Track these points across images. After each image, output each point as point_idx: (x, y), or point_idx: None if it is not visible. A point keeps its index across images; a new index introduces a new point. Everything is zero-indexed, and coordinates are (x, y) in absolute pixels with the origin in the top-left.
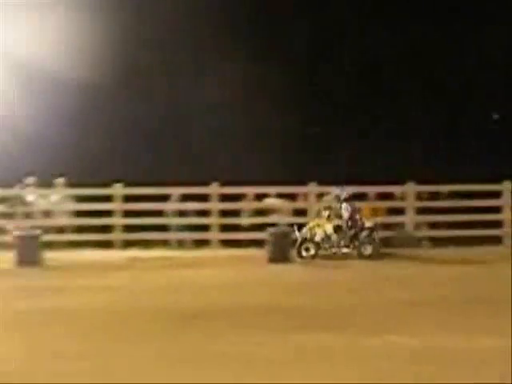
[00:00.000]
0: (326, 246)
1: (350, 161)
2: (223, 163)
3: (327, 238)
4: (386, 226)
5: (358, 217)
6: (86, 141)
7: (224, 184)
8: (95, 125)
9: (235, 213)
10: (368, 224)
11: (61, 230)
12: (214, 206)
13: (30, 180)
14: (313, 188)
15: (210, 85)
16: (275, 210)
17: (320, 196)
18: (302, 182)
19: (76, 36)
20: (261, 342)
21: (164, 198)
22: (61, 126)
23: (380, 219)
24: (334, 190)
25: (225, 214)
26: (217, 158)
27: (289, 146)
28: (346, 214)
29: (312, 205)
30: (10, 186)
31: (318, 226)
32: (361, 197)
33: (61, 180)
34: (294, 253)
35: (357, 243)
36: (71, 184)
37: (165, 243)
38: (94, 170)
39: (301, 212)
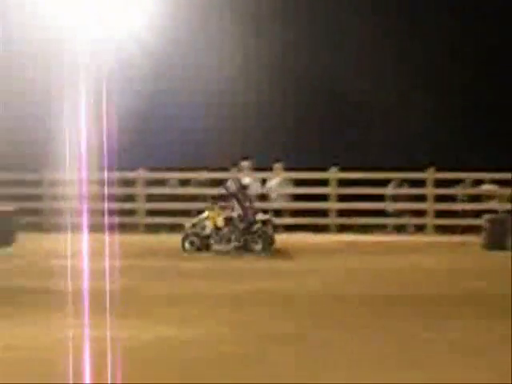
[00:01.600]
0: None
1: None
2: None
3: None
4: None
5: None
6: (302, 126)
7: (439, 169)
8: (312, 110)
9: (451, 198)
10: None
11: (277, 213)
12: (430, 191)
13: (246, 164)
14: None
15: None
16: (492, 197)
17: None
18: None
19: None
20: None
21: (380, 183)
22: (277, 110)
23: None
24: None
25: (440, 199)
26: (432, 143)
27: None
28: None
29: None
30: (225, 169)
31: None
32: None
33: (278, 164)
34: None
35: None
36: (289, 168)
37: (381, 228)
38: (310, 153)
39: None
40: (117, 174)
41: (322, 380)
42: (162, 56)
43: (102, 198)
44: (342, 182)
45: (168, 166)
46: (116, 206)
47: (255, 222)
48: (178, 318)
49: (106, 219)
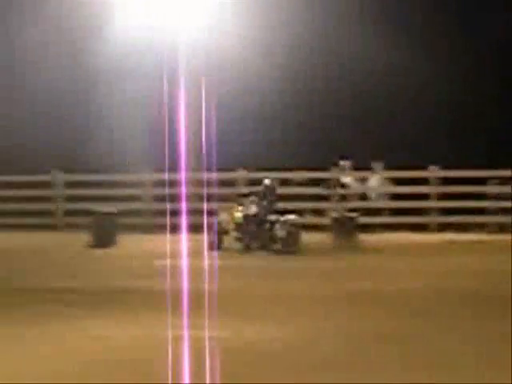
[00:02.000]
0: None
1: None
2: None
3: None
4: None
5: None
6: (401, 125)
7: None
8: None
9: None
10: None
11: (377, 212)
12: None
13: (345, 163)
14: None
15: None
16: None
17: None
18: None
19: None
20: None
21: (478, 182)
22: (378, 110)
23: None
24: None
25: None
26: None
27: None
28: None
29: None
30: (325, 169)
31: None
32: None
33: (378, 164)
34: None
35: None
36: (390, 167)
37: (481, 227)
38: (410, 153)
39: None
40: (216, 175)
41: (424, 380)
42: (265, 56)
43: (201, 198)
44: (443, 181)
45: (268, 166)
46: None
47: (266, 221)
48: (279, 317)
49: (206, 219)
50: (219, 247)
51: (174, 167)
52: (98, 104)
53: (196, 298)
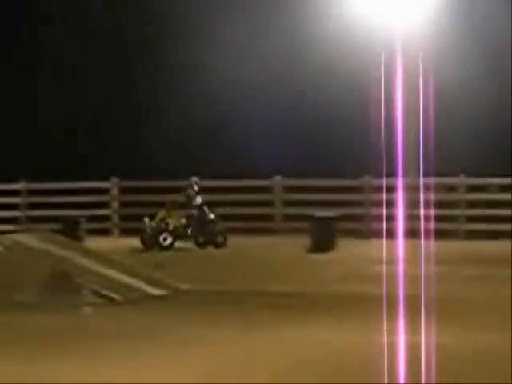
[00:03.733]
0: None
1: None
2: None
3: None
4: None
5: None
6: None
7: None
8: None
9: None
10: None
11: None
12: None
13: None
14: None
15: None
16: None
17: None
18: None
19: None
20: None
21: None
22: None
23: None
24: None
25: None
26: None
27: None
28: None
29: None
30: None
31: None
32: None
33: None
34: None
35: None
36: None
37: None
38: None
39: None
40: (435, 180)
41: None
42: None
43: (418, 204)
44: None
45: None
46: (435, 212)
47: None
48: (499, 326)
49: (422, 225)
50: None
51: (391, 172)
52: (319, 103)
53: (411, 304)
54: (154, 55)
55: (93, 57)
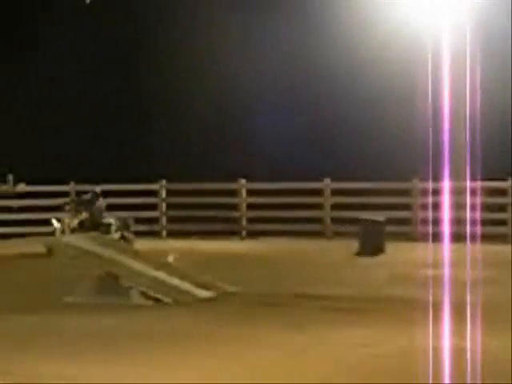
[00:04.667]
0: None
1: None
2: None
3: None
4: None
5: None
6: None
7: None
8: None
9: None
10: None
11: None
12: None
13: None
14: None
15: None
16: None
17: None
18: None
19: None
20: None
21: None
22: None
23: None
24: None
25: None
26: None
27: None
28: None
29: None
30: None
31: None
32: None
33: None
34: None
35: None
36: None
37: None
38: None
39: None
40: (482, 183)
41: None
42: None
43: (465, 207)
44: None
45: None
46: (482, 215)
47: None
48: None
49: (469, 229)
50: None
51: (438, 175)
52: (368, 107)
53: (457, 308)
54: None
55: None
